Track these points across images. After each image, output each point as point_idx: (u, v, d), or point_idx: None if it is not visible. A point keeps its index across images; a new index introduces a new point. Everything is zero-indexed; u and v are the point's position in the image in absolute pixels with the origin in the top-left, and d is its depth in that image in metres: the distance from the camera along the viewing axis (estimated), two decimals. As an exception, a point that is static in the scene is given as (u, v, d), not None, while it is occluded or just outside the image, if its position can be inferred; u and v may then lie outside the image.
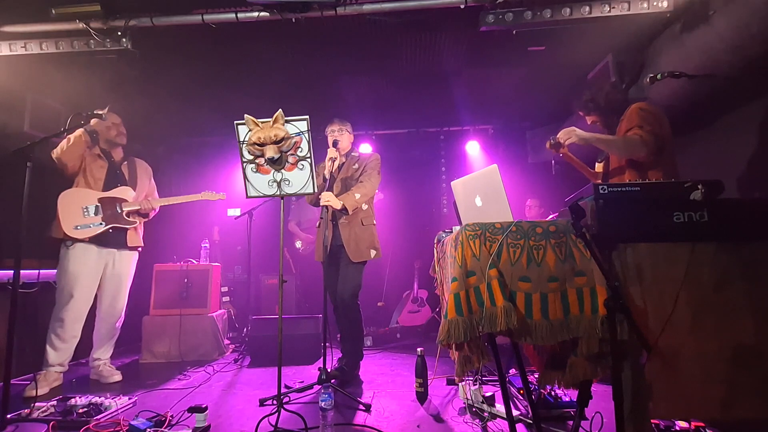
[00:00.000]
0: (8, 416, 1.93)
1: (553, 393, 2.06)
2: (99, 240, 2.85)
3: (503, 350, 2.11)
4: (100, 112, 2.62)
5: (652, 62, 2.87)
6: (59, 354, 2.70)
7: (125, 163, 3.10)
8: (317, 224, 2.93)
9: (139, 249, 3.12)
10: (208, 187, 3.36)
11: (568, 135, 1.87)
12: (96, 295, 2.91)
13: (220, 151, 5.15)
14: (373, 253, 2.84)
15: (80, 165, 2.86)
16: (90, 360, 2.95)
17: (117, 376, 2.90)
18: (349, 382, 2.76)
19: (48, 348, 2.68)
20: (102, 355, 2.94)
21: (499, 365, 1.58)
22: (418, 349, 2.44)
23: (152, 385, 2.77)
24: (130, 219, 2.98)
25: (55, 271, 2.81)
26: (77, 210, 2.81)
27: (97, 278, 2.88)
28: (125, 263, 3.01)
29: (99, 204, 2.86)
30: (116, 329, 3.02)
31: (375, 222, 2.95)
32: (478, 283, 1.39)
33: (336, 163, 2.78)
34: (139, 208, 3.00)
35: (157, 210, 3.17)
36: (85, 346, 2.94)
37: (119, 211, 2.93)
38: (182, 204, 3.31)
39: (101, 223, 2.85)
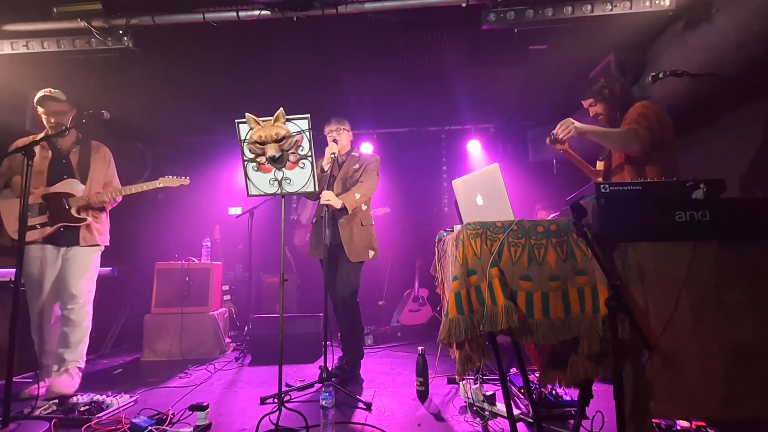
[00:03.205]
0: (11, 414, 1.93)
1: (554, 392, 2.06)
2: (53, 239, 2.62)
3: (504, 349, 2.11)
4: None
5: (654, 61, 2.86)
6: (47, 356, 2.63)
7: (75, 149, 2.77)
8: (313, 221, 2.94)
9: (100, 245, 2.79)
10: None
11: (567, 128, 1.86)
12: None
13: (221, 150, 5.16)
14: (371, 253, 2.85)
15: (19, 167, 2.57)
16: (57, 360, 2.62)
17: (65, 388, 2.43)
18: (350, 380, 2.76)
19: (37, 350, 2.62)
20: (67, 355, 2.58)
21: (500, 364, 1.58)
22: (419, 348, 2.45)
23: (154, 383, 2.78)
24: (80, 216, 2.67)
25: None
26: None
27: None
28: (82, 257, 2.69)
29: (43, 201, 2.60)
30: (74, 323, 2.61)
31: (373, 222, 2.95)
32: (479, 282, 1.39)
33: (334, 155, 2.78)
34: (87, 202, 2.69)
35: (118, 201, 2.87)
36: (91, 344, 2.92)
37: (66, 208, 2.63)
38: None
39: (48, 223, 2.59)
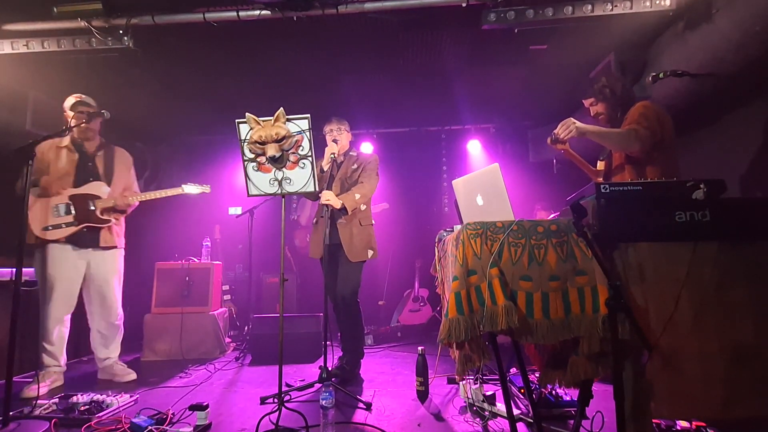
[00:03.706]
0: (11, 413, 1.93)
1: (554, 392, 2.06)
2: (74, 240, 2.70)
3: (504, 349, 2.11)
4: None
5: (654, 61, 2.86)
6: (50, 356, 2.65)
7: (100, 153, 2.87)
8: (314, 221, 2.94)
9: (118, 247, 2.90)
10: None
11: (568, 128, 1.86)
12: (83, 296, 2.81)
13: (221, 150, 5.16)
14: (370, 253, 2.85)
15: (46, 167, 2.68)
16: (97, 361, 2.88)
17: (131, 375, 2.84)
18: (350, 380, 2.76)
19: (40, 350, 2.64)
20: (111, 353, 2.87)
21: (500, 364, 1.58)
22: (419, 348, 2.44)
23: (154, 383, 2.78)
24: (104, 217, 2.77)
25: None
26: (47, 210, 2.65)
27: (77, 280, 2.74)
28: (108, 261, 2.83)
29: (70, 202, 2.69)
30: (116, 327, 2.90)
31: (373, 222, 2.96)
32: (479, 282, 1.39)
33: (334, 155, 2.80)
34: (113, 204, 2.79)
35: (135, 205, 2.95)
36: (85, 343, 2.93)
37: (92, 209, 2.73)
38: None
39: (74, 223, 2.68)
